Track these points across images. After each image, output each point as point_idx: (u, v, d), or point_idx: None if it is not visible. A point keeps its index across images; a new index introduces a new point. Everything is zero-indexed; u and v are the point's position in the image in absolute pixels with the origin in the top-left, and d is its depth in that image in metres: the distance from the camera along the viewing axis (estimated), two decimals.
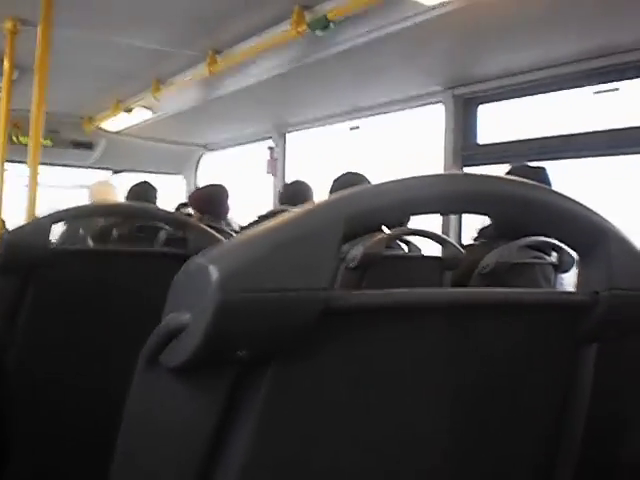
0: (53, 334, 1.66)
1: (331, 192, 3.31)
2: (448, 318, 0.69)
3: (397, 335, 0.66)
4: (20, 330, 1.64)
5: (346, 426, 0.66)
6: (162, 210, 1.88)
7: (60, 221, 1.64)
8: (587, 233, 0.71)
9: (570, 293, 0.76)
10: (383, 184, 0.64)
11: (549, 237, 0.75)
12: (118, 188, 5.77)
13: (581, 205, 0.71)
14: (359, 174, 3.34)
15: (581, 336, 0.75)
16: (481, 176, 0.69)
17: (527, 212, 0.69)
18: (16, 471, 1.05)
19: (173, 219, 1.86)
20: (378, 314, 0.64)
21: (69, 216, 1.71)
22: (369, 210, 0.62)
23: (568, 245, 0.75)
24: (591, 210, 0.71)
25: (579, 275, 0.74)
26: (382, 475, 0.69)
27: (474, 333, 0.70)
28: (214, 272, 0.55)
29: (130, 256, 1.83)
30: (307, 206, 0.61)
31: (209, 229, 1.73)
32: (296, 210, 0.60)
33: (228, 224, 4.35)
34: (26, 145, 4.90)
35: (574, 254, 0.75)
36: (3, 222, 4.09)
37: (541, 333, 0.74)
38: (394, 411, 0.68)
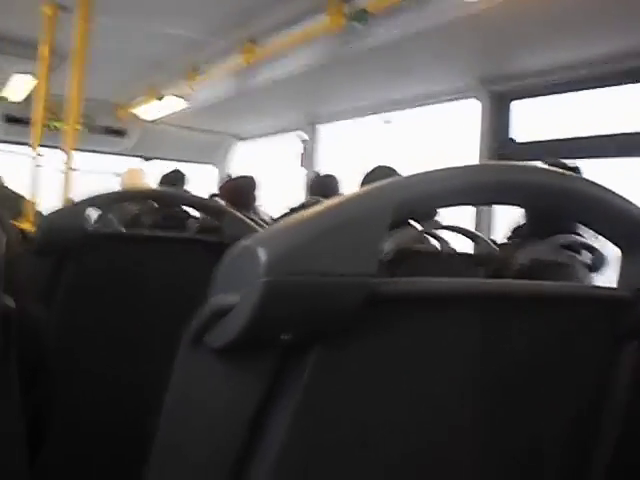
0: (88, 316, 1.67)
1: (362, 185, 3.30)
2: (491, 309, 0.68)
3: (439, 324, 0.66)
4: (55, 312, 1.66)
5: (385, 411, 0.66)
6: (200, 198, 1.89)
7: (97, 205, 1.65)
8: (630, 227, 0.70)
9: (611, 289, 0.75)
10: (432, 171, 0.63)
11: (594, 230, 0.74)
12: (149, 176, 5.81)
13: (624, 199, 0.70)
14: (391, 168, 3.32)
15: (621, 333, 0.74)
16: (535, 167, 0.68)
17: (571, 204, 0.69)
18: (51, 456, 1.05)
19: (211, 207, 1.87)
20: (422, 302, 0.64)
21: (106, 200, 1.72)
22: (418, 197, 0.61)
23: (610, 239, 0.74)
24: (634, 204, 0.70)
25: (620, 271, 0.73)
26: (419, 459, 0.69)
27: (516, 325, 0.70)
28: (262, 254, 0.54)
29: (165, 241, 1.84)
30: (356, 192, 0.61)
31: (245, 218, 1.74)
32: (344, 195, 0.60)
33: (256, 213, 4.37)
34: (59, 130, 4.96)
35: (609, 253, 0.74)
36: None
37: (580, 328, 0.74)
38: (433, 398, 0.68)
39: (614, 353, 0.76)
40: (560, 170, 0.69)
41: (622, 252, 0.73)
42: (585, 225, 0.75)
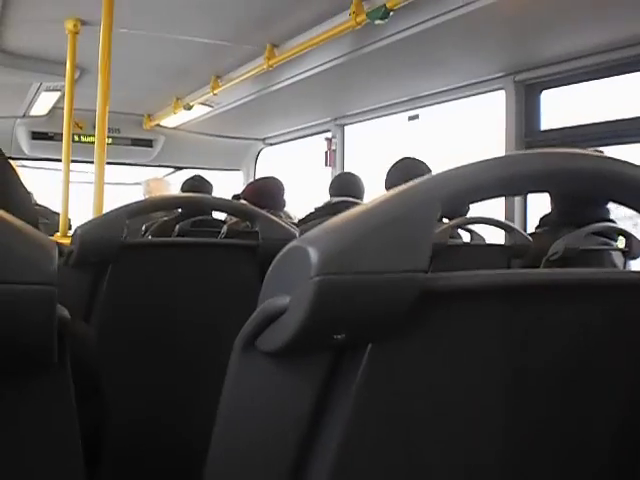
0: (128, 326, 1.68)
1: (388, 177, 3.29)
2: (542, 298, 0.68)
3: (491, 316, 0.65)
4: (95, 324, 1.67)
5: (439, 406, 0.65)
6: (232, 202, 1.90)
7: (131, 215, 1.65)
8: None
9: None
10: (474, 164, 0.63)
11: (629, 207, 0.73)
12: (173, 185, 5.83)
13: None
14: (417, 159, 3.31)
15: None
16: (572, 152, 0.67)
17: (605, 184, 0.67)
18: (106, 472, 1.06)
19: (244, 211, 1.87)
20: (474, 295, 0.63)
21: (140, 210, 1.73)
22: (465, 190, 0.61)
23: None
24: None
25: None
26: (474, 455, 0.68)
27: (566, 313, 0.69)
28: (313, 254, 0.54)
29: (200, 247, 1.85)
30: (401, 188, 0.60)
31: (278, 220, 1.74)
32: (391, 191, 0.60)
33: (287, 216, 4.36)
34: (86, 144, 5.00)
35: None
36: (69, 220, 4.16)
37: (622, 315, 0.72)
38: (486, 390, 0.67)
39: None
40: (591, 152, 0.68)
41: None
42: (621, 203, 0.73)
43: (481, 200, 0.64)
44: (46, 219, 4.50)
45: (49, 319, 0.52)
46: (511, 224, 2.74)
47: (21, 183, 0.99)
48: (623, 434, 0.75)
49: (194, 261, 1.78)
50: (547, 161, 0.65)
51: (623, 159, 0.68)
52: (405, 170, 3.27)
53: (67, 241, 1.71)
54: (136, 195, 6.10)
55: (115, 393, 1.54)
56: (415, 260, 0.57)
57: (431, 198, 0.58)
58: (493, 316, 0.66)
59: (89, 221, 1.74)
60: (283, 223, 1.74)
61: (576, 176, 0.66)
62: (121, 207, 1.68)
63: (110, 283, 1.67)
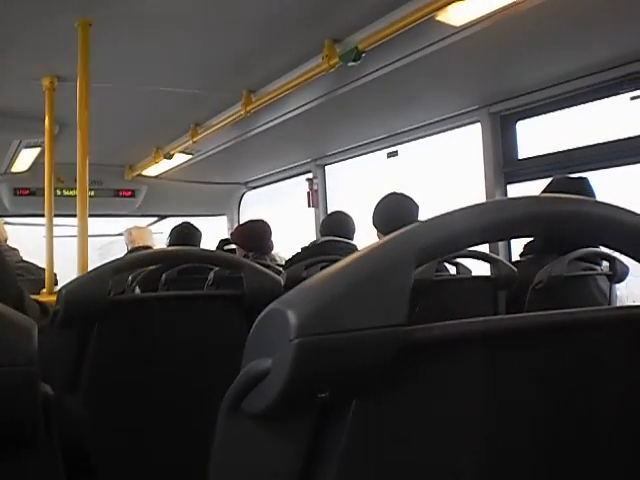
0: (117, 383, 1.67)
1: (375, 213, 3.31)
2: (533, 342, 0.68)
3: (476, 363, 0.66)
4: (83, 383, 1.65)
5: (429, 456, 0.65)
6: (219, 253, 1.90)
7: (118, 271, 1.65)
8: None
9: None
10: (449, 213, 0.64)
11: (611, 248, 0.74)
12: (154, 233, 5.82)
13: (637, 214, 0.69)
14: (404, 194, 3.33)
15: None
16: (548, 197, 0.69)
17: (588, 227, 0.68)
18: None
19: (231, 262, 1.88)
20: (455, 344, 0.64)
21: (127, 265, 1.73)
22: (439, 241, 0.62)
23: (629, 255, 0.73)
24: None
25: None
26: None
27: (548, 356, 0.69)
28: (292, 317, 0.55)
29: (188, 299, 1.85)
30: (375, 243, 0.61)
31: (263, 268, 1.74)
32: (365, 247, 0.60)
33: (273, 259, 4.37)
34: (69, 197, 4.99)
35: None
36: (55, 276, 4.14)
37: (603, 354, 0.73)
38: (478, 442, 0.67)
39: None
40: (573, 196, 0.69)
41: None
42: (603, 245, 0.75)
43: (457, 249, 0.65)
44: (32, 274, 4.48)
45: (32, 398, 0.52)
46: (495, 256, 2.75)
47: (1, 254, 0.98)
48: (609, 475, 0.76)
49: (181, 314, 1.78)
50: (519, 208, 0.66)
51: (603, 201, 0.69)
52: (392, 205, 3.29)
53: (53, 298, 1.69)
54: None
55: (105, 453, 1.54)
56: (393, 314, 0.58)
57: (405, 252, 0.59)
58: (474, 363, 0.66)
59: (74, 280, 1.72)
60: (267, 271, 1.75)
61: (550, 221, 0.67)
62: (106, 264, 1.68)
63: (97, 341, 1.66)
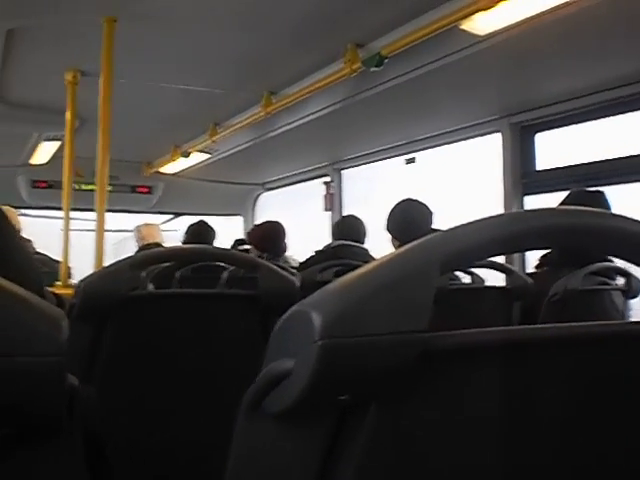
0: (130, 378, 1.68)
1: (390, 219, 3.31)
2: (554, 353, 0.68)
3: (496, 372, 0.66)
4: (97, 376, 1.66)
5: (445, 463, 0.65)
6: (236, 253, 1.91)
7: (135, 266, 1.66)
8: None
9: None
10: (473, 223, 0.64)
11: (627, 261, 0.74)
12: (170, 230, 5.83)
13: None
14: (417, 201, 3.33)
15: None
16: (567, 209, 0.69)
17: (604, 240, 0.69)
18: None
19: (246, 260, 1.88)
20: (476, 352, 0.64)
21: (145, 261, 1.74)
22: (463, 250, 0.62)
23: None
24: None
25: None
26: None
27: (568, 367, 0.69)
28: (316, 318, 0.55)
29: (203, 298, 1.86)
30: (400, 250, 0.61)
31: (279, 269, 1.75)
32: (389, 253, 0.61)
33: (286, 261, 4.38)
34: (86, 191, 5.01)
35: None
36: (70, 269, 4.16)
37: (622, 367, 0.72)
38: (495, 449, 0.67)
39: None
40: (590, 208, 0.69)
41: None
42: (620, 258, 0.75)
43: (482, 259, 0.65)
44: (46, 267, 4.51)
45: (59, 388, 0.53)
46: (511, 267, 2.75)
47: (19, 244, 0.98)
48: None
49: (196, 312, 1.78)
50: (539, 220, 0.66)
51: (619, 214, 0.70)
52: (407, 211, 3.29)
53: (68, 291, 1.71)
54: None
55: (118, 446, 1.54)
56: (416, 321, 0.58)
57: (430, 260, 0.59)
58: (494, 371, 0.66)
59: (92, 274, 1.74)
60: (284, 273, 1.75)
61: (577, 233, 0.68)
62: (124, 259, 1.69)
63: (113, 335, 1.67)
